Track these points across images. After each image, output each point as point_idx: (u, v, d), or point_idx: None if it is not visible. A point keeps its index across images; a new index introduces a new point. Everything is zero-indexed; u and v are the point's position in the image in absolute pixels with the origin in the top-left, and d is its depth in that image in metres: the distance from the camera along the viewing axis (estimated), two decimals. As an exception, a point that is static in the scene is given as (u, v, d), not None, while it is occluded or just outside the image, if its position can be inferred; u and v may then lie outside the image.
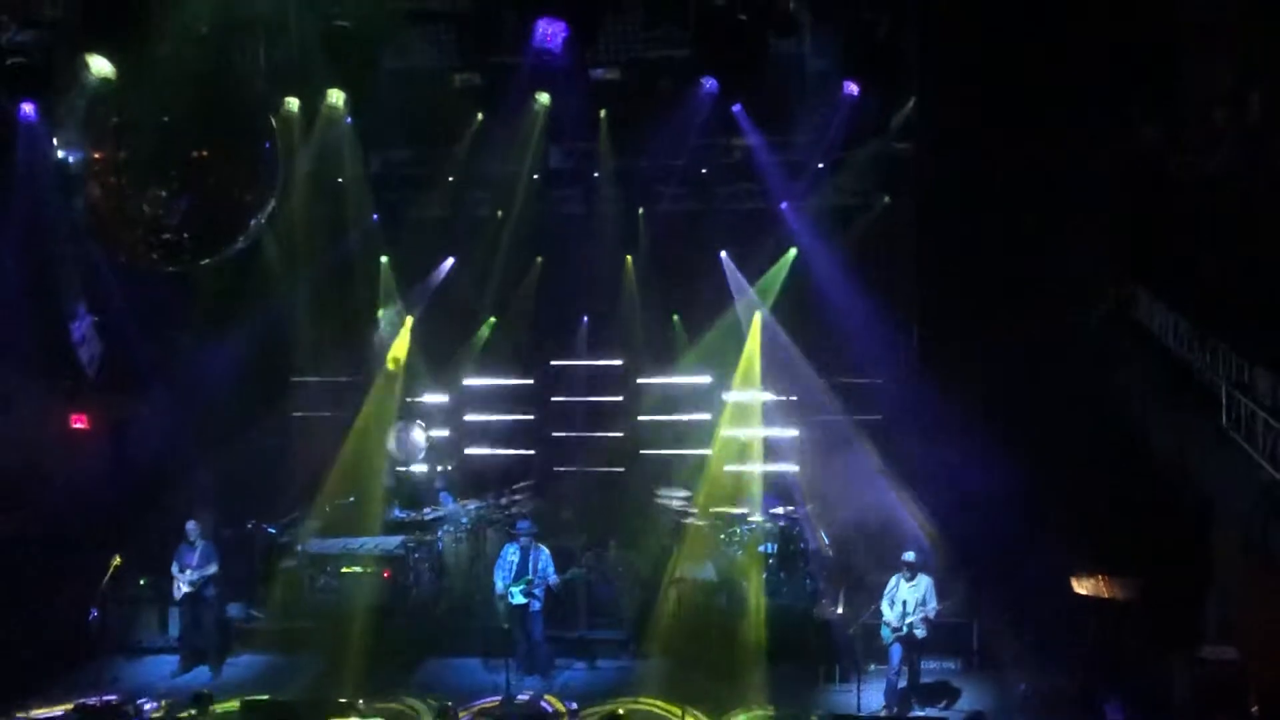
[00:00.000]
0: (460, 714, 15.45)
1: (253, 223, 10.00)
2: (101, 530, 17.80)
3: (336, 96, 16.42)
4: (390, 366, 20.89)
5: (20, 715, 15.59)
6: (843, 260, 19.18)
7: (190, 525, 17.08)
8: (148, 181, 9.47)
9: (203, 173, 9.82)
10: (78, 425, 19.88)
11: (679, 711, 15.25)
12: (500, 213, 20.35)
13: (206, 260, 9.98)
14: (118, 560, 16.00)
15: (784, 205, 19.57)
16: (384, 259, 20.81)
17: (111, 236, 9.70)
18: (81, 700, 15.76)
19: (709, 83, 16.43)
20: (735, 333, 20.43)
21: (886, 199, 19.36)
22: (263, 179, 10.55)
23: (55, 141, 12.47)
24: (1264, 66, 12.72)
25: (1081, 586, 16.42)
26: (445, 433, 21.58)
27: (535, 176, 19.69)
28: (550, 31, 13.59)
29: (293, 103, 16.60)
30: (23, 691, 16.11)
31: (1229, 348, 12.85)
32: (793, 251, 19.94)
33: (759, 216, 19.76)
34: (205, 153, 9.78)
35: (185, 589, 16.97)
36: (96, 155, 9.78)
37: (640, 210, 20.21)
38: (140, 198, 9.29)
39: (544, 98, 17.85)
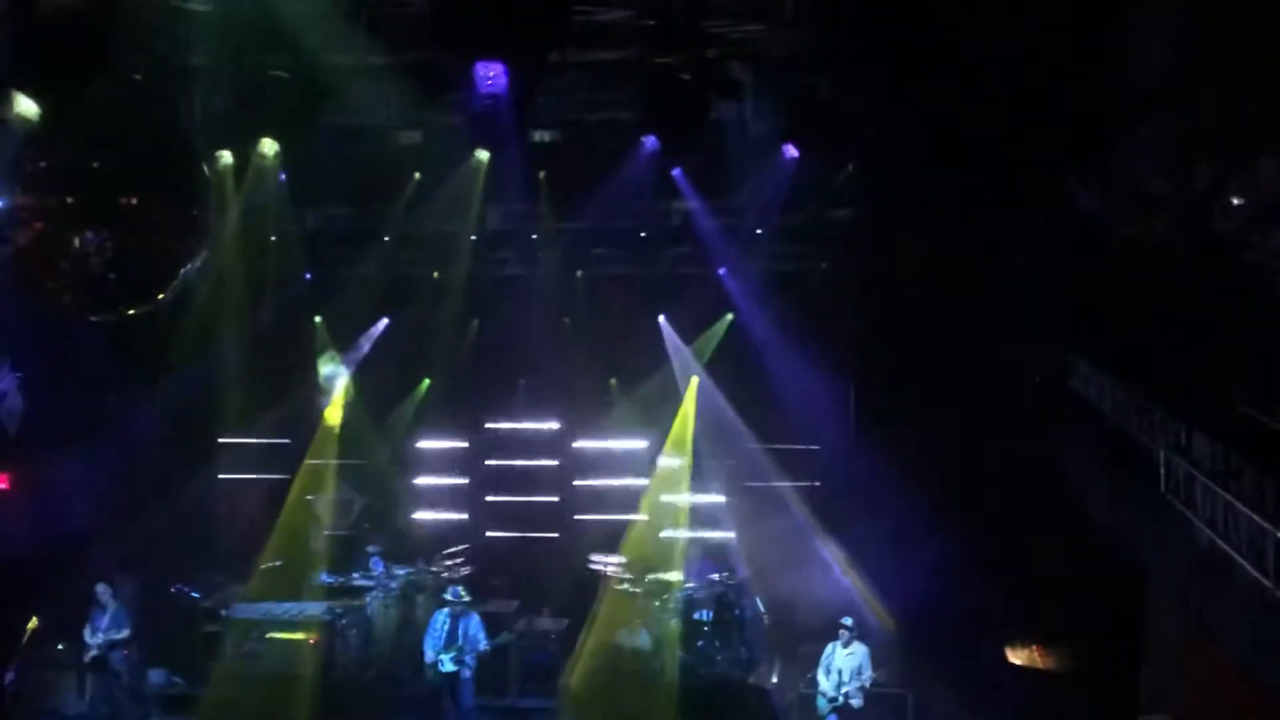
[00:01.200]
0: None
1: (183, 272, 9.75)
2: (20, 592, 17.29)
3: (269, 147, 16.16)
4: (329, 421, 20.59)
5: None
6: (781, 325, 19.14)
7: (100, 588, 16.61)
8: (76, 227, 9.24)
9: (133, 220, 9.58)
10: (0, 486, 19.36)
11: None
12: (437, 273, 20.18)
13: (135, 310, 9.71)
14: (34, 623, 15.53)
15: (722, 271, 19.55)
16: (318, 319, 20.51)
17: (37, 284, 9.44)
18: (-7, 769, 15.33)
19: (649, 141, 16.41)
20: (672, 397, 20.33)
21: (824, 265, 19.36)
22: (194, 229, 10.33)
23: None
24: (1206, 138, 12.85)
25: (1016, 656, 16.39)
26: (375, 499, 21.23)
27: (474, 237, 19.54)
28: (491, 75, 13.46)
29: (226, 155, 16.36)
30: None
31: (1166, 414, 12.88)
32: (729, 316, 19.91)
33: (698, 281, 19.71)
34: (135, 200, 9.57)
35: (94, 652, 16.47)
36: (22, 200, 9.56)
37: (579, 273, 20.14)
38: (68, 244, 9.04)
39: (483, 155, 17.77)
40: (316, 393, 20.94)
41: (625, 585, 18.65)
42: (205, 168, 13.71)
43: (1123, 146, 14.15)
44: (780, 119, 16.54)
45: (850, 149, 17.08)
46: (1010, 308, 16.51)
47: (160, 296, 9.83)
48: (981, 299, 16.84)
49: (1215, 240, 12.36)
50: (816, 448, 19.67)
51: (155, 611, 18.29)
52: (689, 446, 20.28)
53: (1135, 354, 14.03)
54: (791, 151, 16.81)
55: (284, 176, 18.09)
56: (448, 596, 16.43)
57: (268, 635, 18.11)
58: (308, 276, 20.21)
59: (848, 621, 15.18)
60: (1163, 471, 12.79)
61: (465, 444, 21.31)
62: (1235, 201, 11.97)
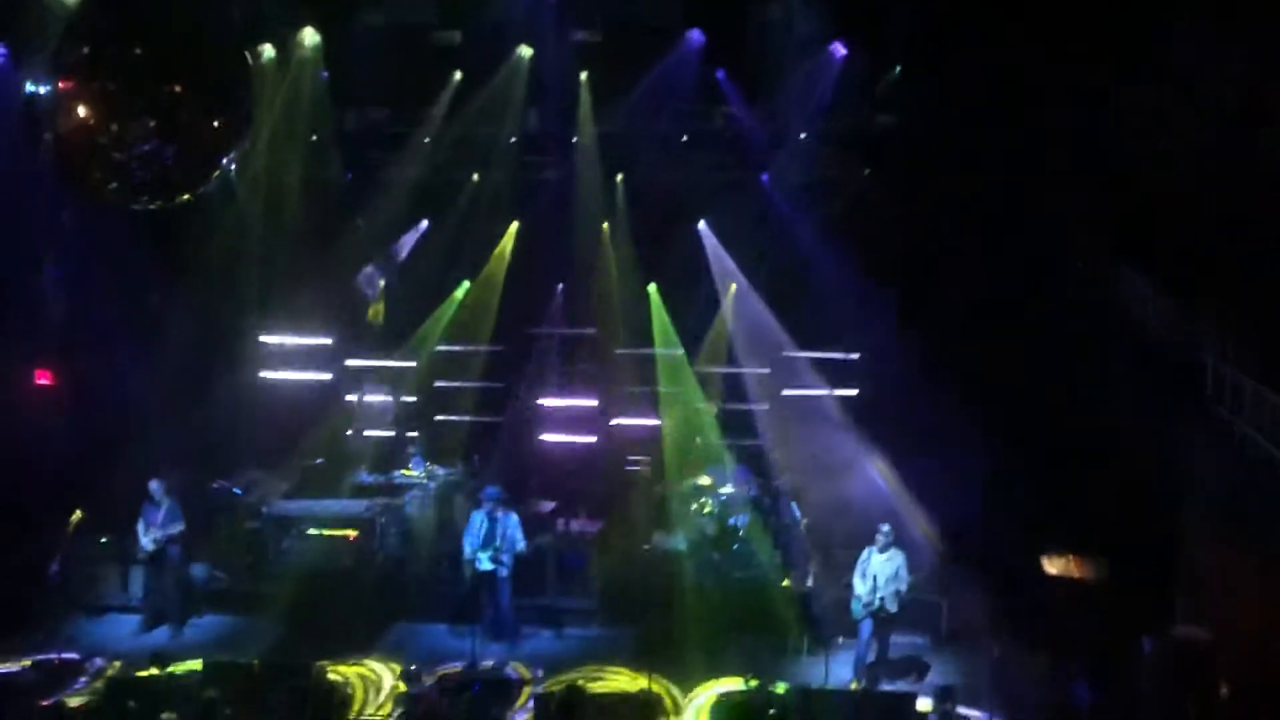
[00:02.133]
0: (424, 678, 15.26)
1: (224, 163, 9.71)
2: (64, 487, 17.52)
3: (310, 38, 16.03)
4: (370, 322, 20.66)
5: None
6: (822, 233, 19.01)
7: (154, 484, 16.73)
8: (117, 114, 9.21)
9: (174, 109, 9.55)
10: (42, 382, 19.57)
11: (645, 680, 15.13)
12: (476, 176, 20.07)
13: (175, 200, 9.69)
14: (78, 515, 15.71)
15: (764, 176, 19.37)
16: (359, 220, 20.48)
17: (78, 172, 9.41)
18: (40, 656, 15.57)
19: (694, 36, 16.18)
20: (711, 303, 20.28)
21: (867, 171, 19.16)
22: (235, 120, 10.27)
23: (25, 82, 12.18)
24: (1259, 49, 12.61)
25: (1052, 566, 16.40)
26: (414, 398, 21.29)
27: (513, 140, 19.42)
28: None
29: (269, 48, 16.27)
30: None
31: (1214, 321, 12.77)
32: (768, 223, 19.77)
33: (739, 187, 19.57)
34: (178, 87, 9.52)
35: (149, 548, 16.66)
36: (64, 86, 9.53)
37: (619, 177, 19.97)
38: (108, 132, 9.01)
39: (526, 51, 17.58)
40: (357, 293, 20.95)
41: (661, 489, 18.74)
42: (248, 58, 13.61)
43: (1169, 45, 13.88)
44: (827, 17, 16.29)
45: (898, 49, 16.83)
46: (1053, 217, 16.35)
47: (200, 188, 9.77)
48: (1024, 207, 16.69)
49: (1265, 145, 12.17)
50: (856, 356, 19.60)
51: (197, 507, 18.48)
52: (725, 354, 20.27)
53: (1181, 262, 13.88)
54: (839, 50, 16.58)
55: (325, 75, 18.02)
56: (486, 496, 16.50)
57: (308, 532, 18.34)
58: (349, 177, 20.12)
59: (885, 528, 15.17)
60: (1209, 379, 12.70)
61: (504, 348, 21.28)
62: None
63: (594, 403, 20.93)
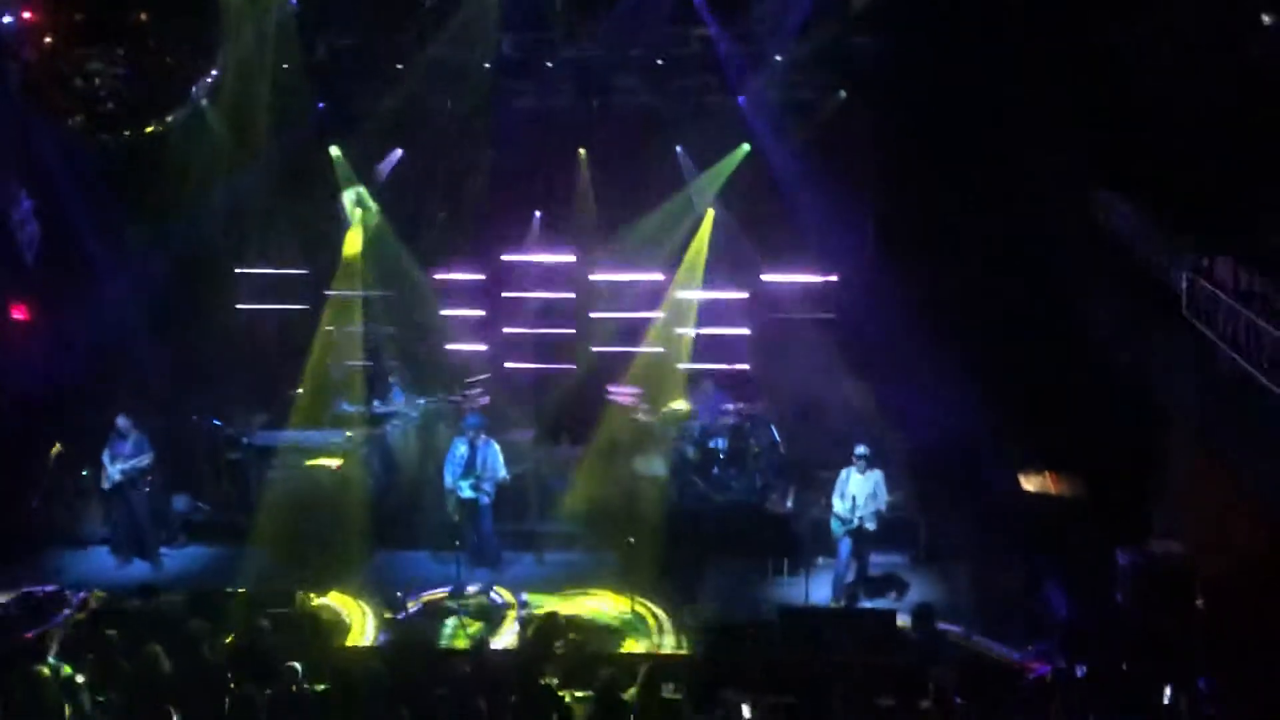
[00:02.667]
0: (409, 604, 15.40)
1: (193, 92, 9.63)
2: (42, 421, 17.51)
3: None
4: (348, 252, 20.56)
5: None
6: (800, 156, 18.93)
7: (120, 419, 16.73)
8: (85, 44, 9.12)
9: (142, 37, 9.44)
10: (16, 316, 19.47)
11: (628, 602, 15.28)
12: (451, 103, 19.89)
13: (143, 129, 9.62)
14: (58, 449, 15.72)
15: (741, 100, 19.24)
16: (334, 149, 20.31)
17: (47, 102, 9.34)
18: (25, 590, 15.62)
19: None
20: (689, 228, 20.21)
21: (843, 94, 19.04)
22: (203, 48, 10.18)
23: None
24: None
25: (1029, 483, 16.53)
26: (394, 328, 21.24)
27: (487, 66, 19.22)
28: None
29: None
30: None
31: (1189, 237, 12.80)
32: (745, 146, 19.67)
33: (716, 110, 19.38)
34: (144, 16, 9.41)
35: (117, 478, 16.67)
36: (30, 16, 9.43)
37: (594, 102, 19.78)
38: (77, 61, 8.92)
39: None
40: (334, 223, 20.82)
41: (641, 415, 18.80)
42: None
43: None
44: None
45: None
46: (1031, 137, 16.30)
47: (169, 117, 9.70)
48: (1001, 128, 16.64)
49: (1245, 63, 12.12)
50: (834, 278, 19.61)
51: (178, 439, 18.52)
52: (701, 277, 20.24)
53: (1157, 180, 13.87)
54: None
55: (294, 2, 17.82)
56: (466, 425, 16.54)
57: (290, 463, 18.40)
58: (320, 107, 19.93)
59: (861, 449, 15.28)
60: (1184, 293, 12.75)
61: (482, 276, 21.21)
62: (1265, 20, 11.69)
63: (572, 331, 20.90)
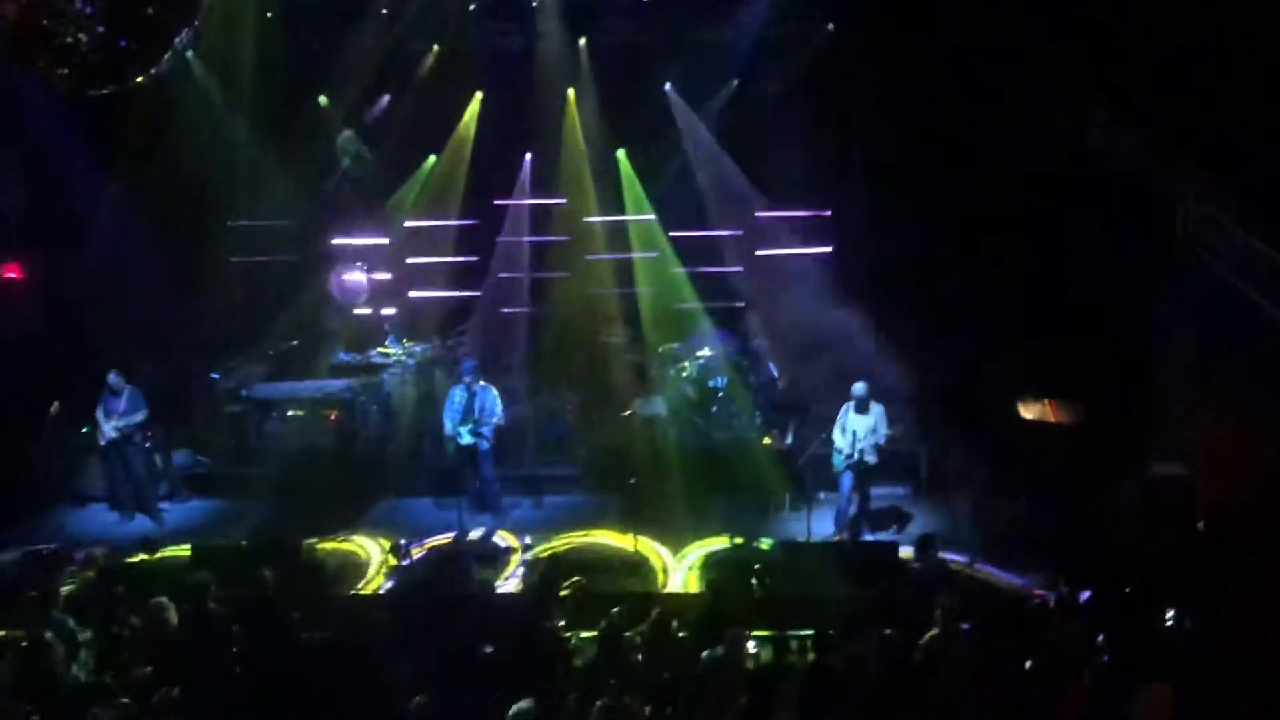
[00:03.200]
0: (412, 551, 15.43)
1: (176, 43, 9.53)
2: (39, 380, 17.47)
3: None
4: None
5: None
6: (790, 90, 18.81)
7: (112, 375, 16.66)
8: (65, -1, 9.04)
9: (121, -11, 9.37)
10: (10, 275, 19.40)
11: (632, 543, 15.32)
12: (436, 47, 19.72)
13: (128, 83, 9.53)
14: (56, 407, 15.68)
15: (729, 34, 19.09)
16: (322, 98, 20.15)
17: (28, 58, 9.23)
18: (28, 548, 15.66)
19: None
20: (681, 167, 20.11)
21: (831, 26, 18.89)
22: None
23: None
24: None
25: (1028, 411, 16.53)
26: (388, 275, 21.19)
27: (472, 7, 19.05)
28: None
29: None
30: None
31: (1187, 160, 12.74)
32: (734, 83, 19.53)
33: (704, 46, 19.23)
34: (124, -33, 9.33)
35: (112, 435, 16.65)
36: (9, -29, 9.34)
37: (582, 41, 19.63)
38: (57, 15, 8.83)
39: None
40: (325, 173, 20.72)
41: (638, 356, 18.78)
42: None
43: None
44: None
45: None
46: (1026, 61, 16.19)
47: (152, 70, 9.61)
48: (993, 54, 16.51)
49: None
50: (828, 212, 19.51)
51: (175, 394, 18.49)
52: (694, 215, 20.15)
53: (1157, 107, 13.79)
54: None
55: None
56: (462, 370, 16.52)
57: (288, 414, 18.40)
58: (304, 55, 19.75)
59: (859, 386, 15.24)
60: (1183, 219, 12.71)
61: (475, 221, 21.11)
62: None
63: (567, 274, 20.82)
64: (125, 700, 9.94)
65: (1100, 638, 10.15)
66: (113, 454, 16.75)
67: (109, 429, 16.54)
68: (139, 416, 16.68)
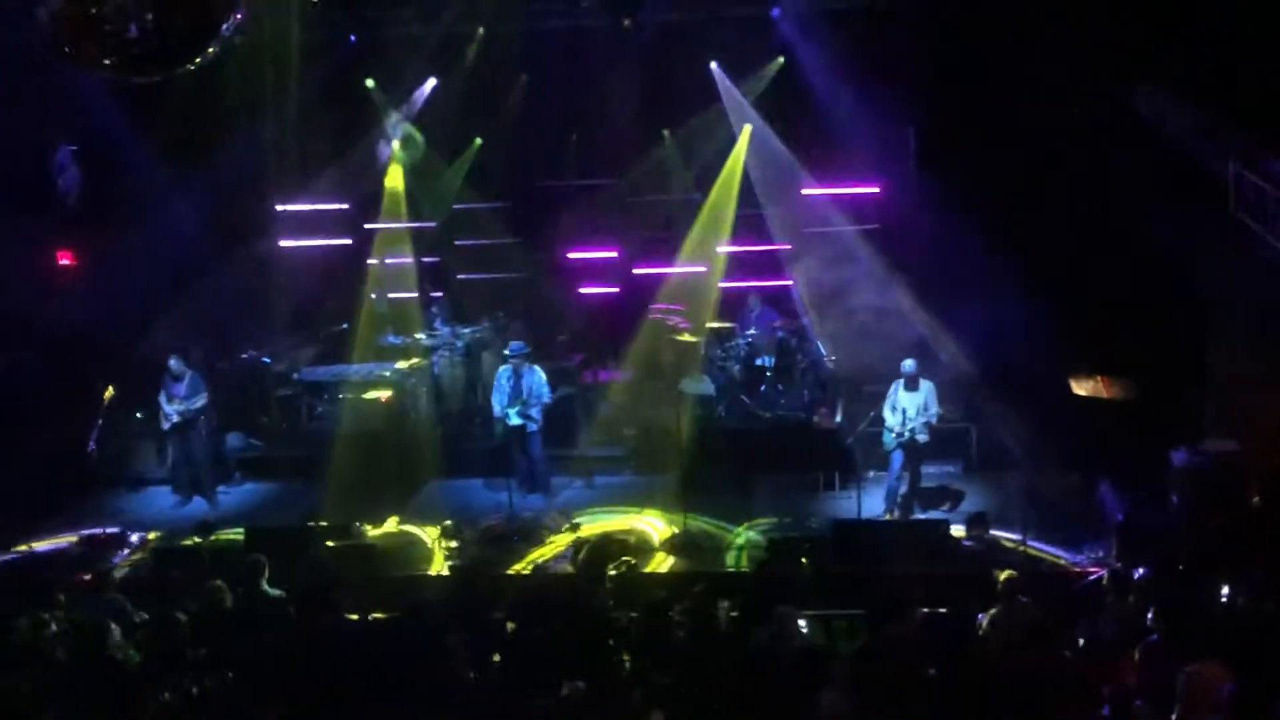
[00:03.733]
0: (464, 532, 15.51)
1: (224, 29, 9.55)
2: (94, 365, 17.67)
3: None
4: (390, 184, 20.60)
5: (24, 548, 15.65)
6: (837, 66, 18.67)
7: (173, 359, 16.83)
8: (110, -15, 9.07)
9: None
10: (63, 262, 19.65)
11: (680, 522, 15.33)
12: (481, 29, 19.73)
13: (175, 70, 9.55)
14: (110, 391, 15.85)
15: (775, 12, 18.98)
16: (369, 81, 20.22)
17: (76, 47, 9.27)
18: (85, 531, 15.88)
19: None
20: (727, 146, 20.02)
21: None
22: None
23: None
24: None
25: (1080, 387, 16.41)
26: (435, 258, 21.26)
27: (516, -12, 19.04)
28: None
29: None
30: (26, 524, 16.16)
31: (1236, 130, 12.56)
32: (780, 60, 19.42)
33: (751, 24, 19.11)
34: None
35: (175, 419, 16.82)
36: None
37: (626, 22, 19.52)
38: (105, 4, 8.86)
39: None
40: (373, 156, 20.82)
41: (687, 334, 18.77)
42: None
43: None
44: None
45: None
46: (1074, 34, 16.03)
47: (200, 57, 9.62)
48: (1044, 26, 16.35)
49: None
50: (878, 189, 19.38)
51: (227, 378, 18.69)
52: (735, 194, 20.06)
53: (1206, 74, 13.61)
54: None
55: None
56: (510, 352, 16.55)
57: (340, 397, 18.55)
58: (352, 39, 19.83)
59: (908, 363, 15.17)
60: (1233, 189, 12.55)
61: (520, 203, 21.11)
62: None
63: (614, 254, 20.80)
64: (181, 682, 10.06)
65: (1152, 614, 10.05)
66: (174, 438, 16.95)
67: (172, 413, 16.72)
68: (200, 401, 16.86)
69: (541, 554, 14.99)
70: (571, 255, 20.81)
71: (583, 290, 20.71)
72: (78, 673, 10.49)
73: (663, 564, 14.56)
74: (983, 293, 17.29)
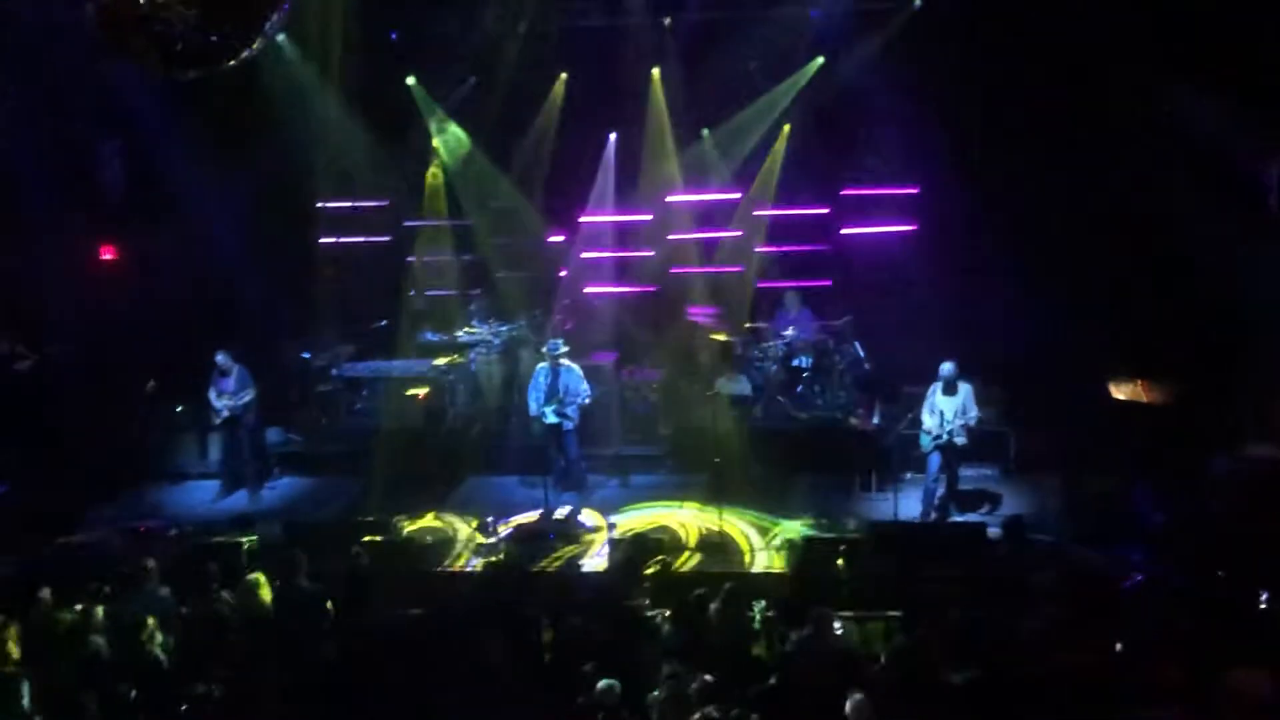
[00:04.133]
0: (499, 529, 15.56)
1: (268, 26, 9.62)
2: (136, 359, 17.82)
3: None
4: (431, 181, 20.71)
5: (65, 540, 15.81)
6: (876, 67, 18.62)
7: (220, 355, 16.94)
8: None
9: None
10: (107, 257, 19.82)
11: (716, 522, 15.32)
12: (521, 28, 19.77)
13: (220, 66, 9.62)
14: (153, 385, 15.96)
15: (814, 12, 18.95)
16: (411, 79, 20.30)
17: (121, 42, 9.36)
18: (126, 525, 16.01)
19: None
20: (765, 144, 19.98)
21: (918, 2, 18.68)
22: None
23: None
24: None
25: (1119, 391, 16.33)
26: (474, 256, 21.31)
27: (556, -13, 19.09)
28: None
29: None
30: (68, 517, 16.32)
31: (1277, 131, 12.49)
32: (819, 60, 19.37)
33: (790, 24, 19.08)
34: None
35: (224, 414, 16.93)
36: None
37: (667, 21, 19.56)
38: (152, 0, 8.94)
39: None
40: (414, 154, 20.91)
41: (724, 334, 18.76)
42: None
43: None
44: None
45: None
46: (1111, 36, 15.95)
47: (245, 53, 9.69)
48: (1080, 28, 16.28)
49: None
50: (915, 190, 19.31)
51: (267, 373, 18.76)
52: (775, 193, 20.03)
53: (1240, 73, 13.51)
54: None
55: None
56: (548, 349, 16.58)
57: (378, 393, 18.66)
58: (394, 37, 19.91)
59: (946, 366, 15.09)
60: (1274, 191, 12.47)
61: (559, 200, 21.13)
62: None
63: (651, 253, 20.80)
64: (219, 675, 10.15)
65: (1192, 621, 10.00)
66: (224, 432, 17.09)
67: (222, 408, 16.83)
68: (248, 395, 16.96)
69: (576, 551, 15.01)
70: (608, 254, 20.81)
71: (619, 289, 20.71)
72: (117, 663, 10.60)
73: (698, 563, 14.55)
74: (1020, 296, 17.27)
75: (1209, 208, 15.10)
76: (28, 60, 17.19)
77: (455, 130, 20.72)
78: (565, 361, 16.39)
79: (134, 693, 9.68)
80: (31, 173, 17.70)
